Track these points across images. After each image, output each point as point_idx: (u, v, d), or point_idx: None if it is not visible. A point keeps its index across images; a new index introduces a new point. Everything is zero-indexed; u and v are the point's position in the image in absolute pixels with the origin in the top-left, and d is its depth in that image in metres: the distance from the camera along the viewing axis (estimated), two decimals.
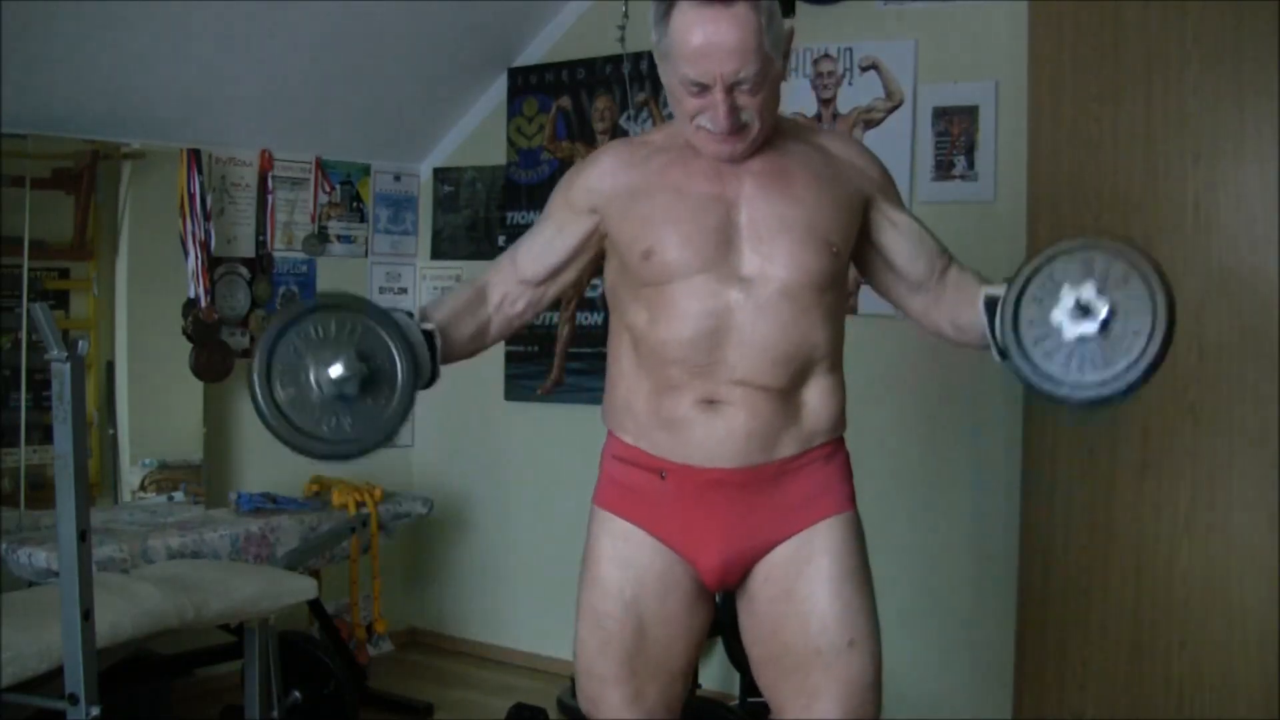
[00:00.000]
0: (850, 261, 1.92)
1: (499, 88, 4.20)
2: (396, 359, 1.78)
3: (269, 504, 3.57)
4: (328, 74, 3.75)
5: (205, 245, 3.62)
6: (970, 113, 3.31)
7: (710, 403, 1.81)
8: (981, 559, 3.32)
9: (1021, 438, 3.10)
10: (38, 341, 2.68)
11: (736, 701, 3.33)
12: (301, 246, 4.05)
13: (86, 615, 2.18)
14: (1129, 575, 2.94)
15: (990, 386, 3.22)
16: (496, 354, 4.08)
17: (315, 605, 3.42)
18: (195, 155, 3.61)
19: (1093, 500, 2.98)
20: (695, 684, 2.82)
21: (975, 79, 3.30)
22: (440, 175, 4.38)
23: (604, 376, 1.97)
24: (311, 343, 1.74)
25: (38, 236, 3.39)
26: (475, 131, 4.29)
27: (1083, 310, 1.70)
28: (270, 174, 3.92)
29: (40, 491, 3.22)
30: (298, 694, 3.18)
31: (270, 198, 3.92)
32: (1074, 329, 1.71)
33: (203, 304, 3.63)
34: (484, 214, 4.28)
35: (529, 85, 4.13)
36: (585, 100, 4.00)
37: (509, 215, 4.17)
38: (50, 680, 2.29)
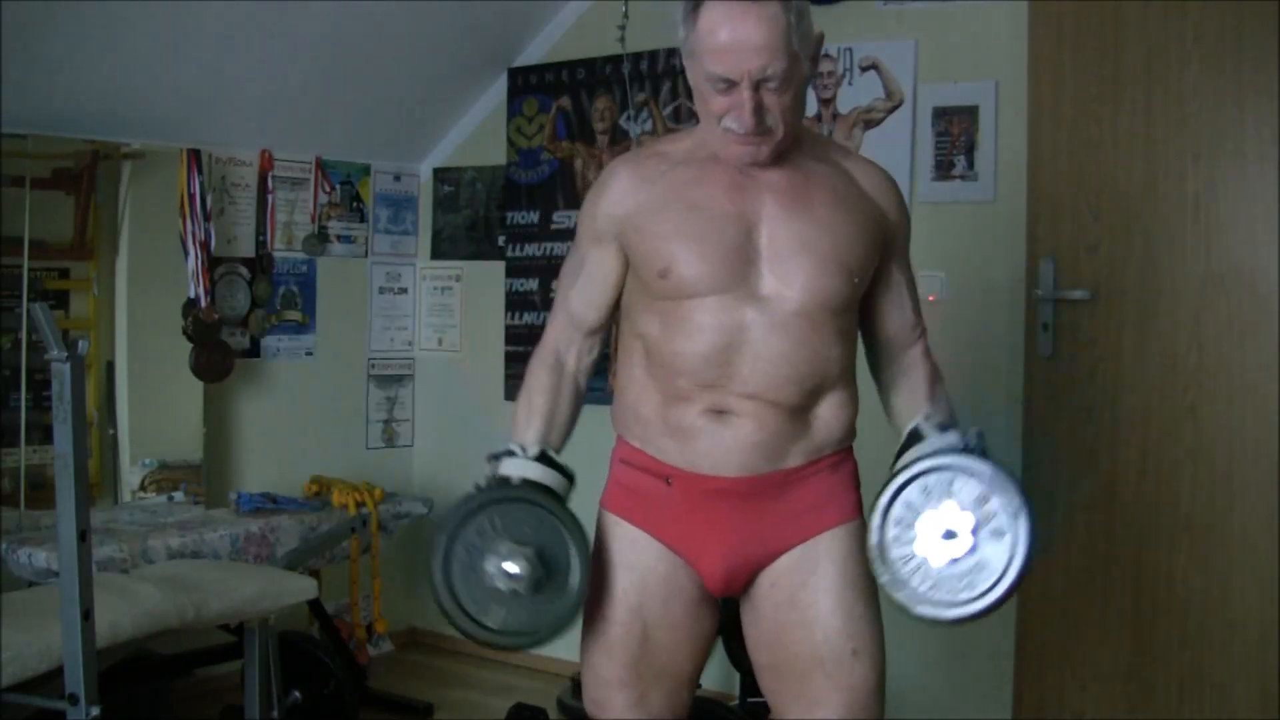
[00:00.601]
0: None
1: (499, 88, 4.20)
2: (573, 560, 1.77)
3: (269, 504, 3.57)
4: (328, 74, 3.75)
5: (205, 245, 3.62)
6: (970, 113, 3.31)
7: (719, 412, 1.80)
8: None
9: (1021, 438, 3.10)
10: (38, 341, 2.68)
11: (736, 702, 3.33)
12: (301, 246, 4.05)
13: (86, 615, 2.18)
14: (1129, 575, 2.94)
15: (990, 387, 3.22)
16: (496, 354, 4.07)
17: (315, 605, 3.42)
18: (195, 155, 3.61)
19: (1093, 500, 2.98)
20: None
21: (975, 79, 3.29)
22: (440, 175, 4.38)
23: (607, 377, 1.97)
24: (493, 532, 1.75)
25: (38, 236, 3.39)
26: (475, 131, 4.28)
27: (949, 534, 1.74)
28: (270, 174, 3.92)
29: (40, 491, 3.22)
30: (298, 694, 3.18)
31: (270, 198, 3.92)
32: (940, 555, 1.74)
33: (203, 304, 3.62)
34: (484, 214, 4.27)
35: (529, 85, 4.13)
36: (585, 100, 4.00)
37: (509, 215, 4.17)
38: (50, 680, 2.28)
